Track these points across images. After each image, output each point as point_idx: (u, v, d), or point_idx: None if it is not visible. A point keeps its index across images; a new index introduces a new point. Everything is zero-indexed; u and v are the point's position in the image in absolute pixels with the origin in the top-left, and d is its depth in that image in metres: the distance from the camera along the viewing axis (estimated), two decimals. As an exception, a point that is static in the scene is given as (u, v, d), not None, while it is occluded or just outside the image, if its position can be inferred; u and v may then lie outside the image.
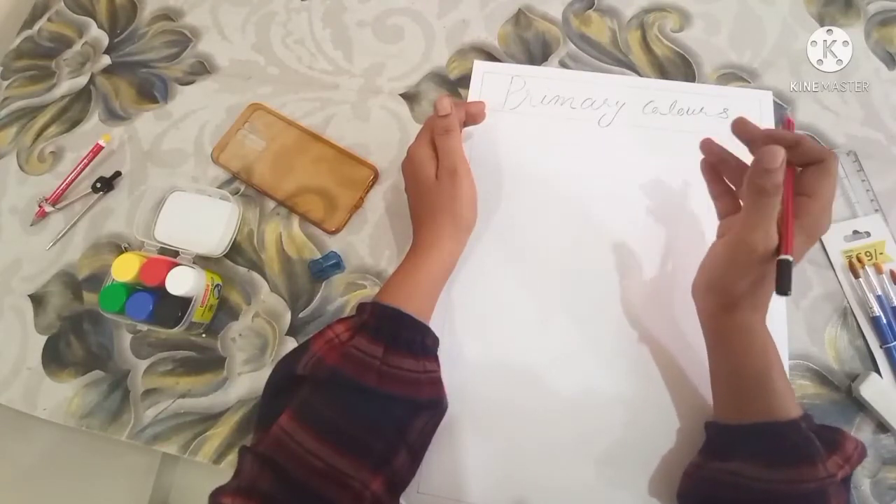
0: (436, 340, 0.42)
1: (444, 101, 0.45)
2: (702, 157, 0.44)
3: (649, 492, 0.42)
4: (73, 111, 0.60)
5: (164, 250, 0.50)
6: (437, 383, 0.41)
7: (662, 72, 0.56)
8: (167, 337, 0.50)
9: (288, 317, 0.50)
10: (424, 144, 0.46)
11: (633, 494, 0.42)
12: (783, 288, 0.32)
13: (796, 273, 0.47)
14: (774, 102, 0.54)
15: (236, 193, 0.54)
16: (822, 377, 0.45)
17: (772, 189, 0.33)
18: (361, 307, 0.42)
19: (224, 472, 0.41)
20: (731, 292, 0.37)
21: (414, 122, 0.56)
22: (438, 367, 0.42)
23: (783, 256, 0.33)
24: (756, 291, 0.37)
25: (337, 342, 0.39)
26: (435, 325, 0.43)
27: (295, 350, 0.41)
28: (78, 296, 0.52)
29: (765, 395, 0.36)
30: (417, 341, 0.40)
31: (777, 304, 0.46)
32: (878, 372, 0.44)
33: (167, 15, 0.64)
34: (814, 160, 0.36)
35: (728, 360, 0.39)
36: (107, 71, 0.62)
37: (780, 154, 0.32)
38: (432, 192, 0.45)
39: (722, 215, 0.43)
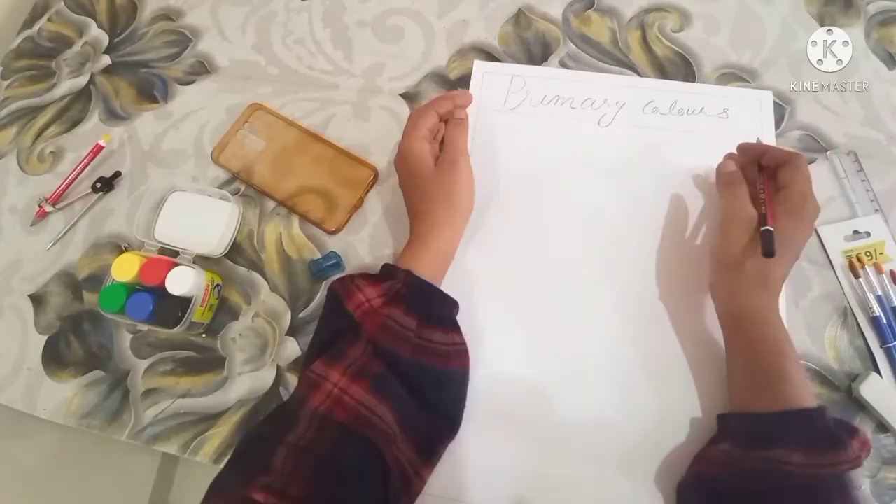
0: (457, 309, 0.44)
1: (465, 97, 0.52)
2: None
3: (652, 494, 0.42)
4: (73, 111, 0.60)
5: (164, 250, 0.50)
6: (464, 355, 0.43)
7: (662, 72, 0.56)
8: (167, 337, 0.50)
9: (288, 317, 0.50)
10: (420, 139, 0.47)
11: (634, 494, 0.42)
12: (767, 250, 0.40)
13: (796, 272, 0.48)
14: (774, 102, 0.54)
15: (236, 193, 0.54)
16: (822, 377, 0.45)
17: (732, 180, 0.45)
18: (391, 271, 0.42)
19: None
20: (733, 254, 0.42)
21: (414, 122, 0.56)
22: (463, 339, 0.43)
23: (765, 227, 0.41)
24: (756, 265, 0.41)
25: (368, 307, 0.40)
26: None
27: (334, 293, 0.42)
28: (78, 296, 0.52)
29: (781, 385, 0.37)
30: (446, 315, 0.43)
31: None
32: (878, 372, 0.44)
33: (167, 15, 0.64)
34: (783, 161, 0.43)
35: (743, 349, 0.41)
36: (107, 71, 0.62)
37: (732, 164, 0.47)
38: (429, 182, 0.46)
39: None
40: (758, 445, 0.37)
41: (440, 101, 0.49)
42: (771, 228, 0.41)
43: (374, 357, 0.39)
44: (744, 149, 0.47)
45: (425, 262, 0.43)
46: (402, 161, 0.47)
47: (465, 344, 0.43)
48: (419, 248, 0.44)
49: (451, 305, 0.43)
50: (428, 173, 0.46)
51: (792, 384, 0.37)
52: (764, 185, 0.44)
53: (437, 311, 0.42)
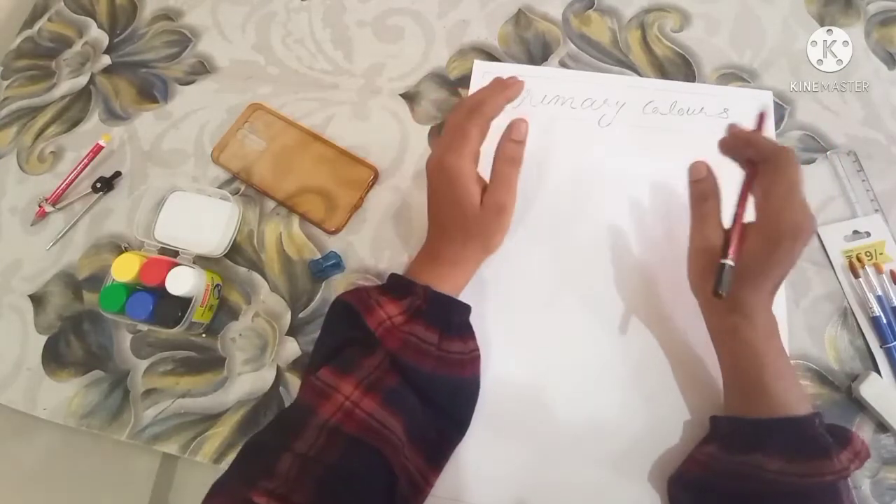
0: (469, 311, 0.43)
1: (523, 126, 0.40)
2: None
3: (652, 496, 0.42)
4: (73, 111, 0.60)
5: (164, 250, 0.50)
6: (477, 360, 0.43)
7: (662, 72, 0.56)
8: (167, 337, 0.50)
9: (288, 317, 0.50)
10: (470, 158, 0.40)
11: (635, 495, 0.42)
12: (715, 289, 0.34)
13: (796, 272, 0.47)
14: (774, 102, 0.54)
15: (236, 193, 0.54)
16: (822, 377, 0.45)
17: (701, 195, 0.40)
18: (409, 287, 0.40)
19: (224, 472, 0.41)
20: (696, 282, 0.41)
21: (414, 122, 0.56)
22: (477, 344, 0.43)
23: (723, 261, 0.34)
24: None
25: (389, 325, 0.39)
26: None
27: (349, 306, 0.40)
28: (78, 296, 0.52)
29: (764, 396, 0.37)
30: (464, 324, 0.42)
31: (777, 304, 0.46)
32: (878, 372, 0.44)
33: (167, 15, 0.64)
34: (763, 158, 0.36)
35: (727, 360, 0.41)
36: (107, 71, 0.62)
37: (703, 168, 0.40)
38: (471, 220, 0.41)
39: None
40: (739, 449, 0.37)
41: (493, 104, 0.40)
42: (729, 263, 0.34)
43: (390, 371, 0.38)
44: (732, 136, 0.39)
45: (447, 282, 0.42)
46: (445, 179, 0.40)
47: (478, 349, 0.43)
48: (447, 271, 0.42)
49: (464, 310, 0.43)
50: (472, 210, 0.40)
51: (774, 395, 0.36)
52: (740, 198, 0.37)
53: (455, 319, 0.41)
